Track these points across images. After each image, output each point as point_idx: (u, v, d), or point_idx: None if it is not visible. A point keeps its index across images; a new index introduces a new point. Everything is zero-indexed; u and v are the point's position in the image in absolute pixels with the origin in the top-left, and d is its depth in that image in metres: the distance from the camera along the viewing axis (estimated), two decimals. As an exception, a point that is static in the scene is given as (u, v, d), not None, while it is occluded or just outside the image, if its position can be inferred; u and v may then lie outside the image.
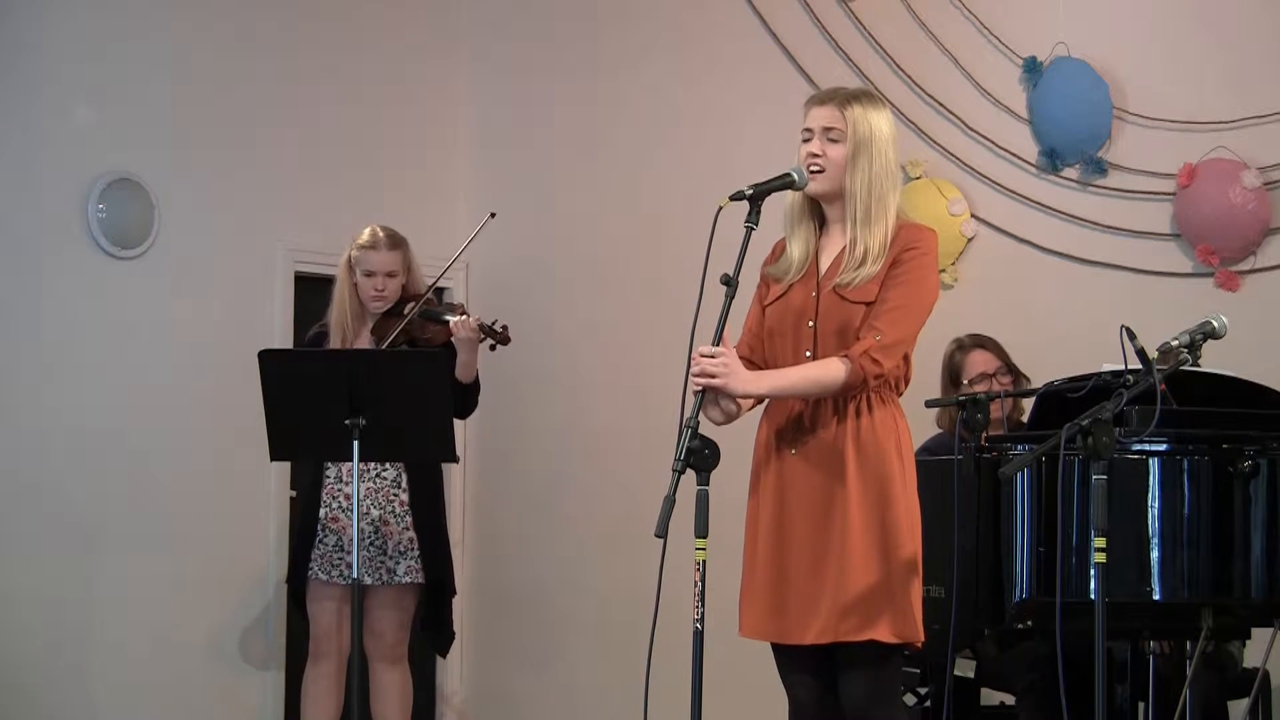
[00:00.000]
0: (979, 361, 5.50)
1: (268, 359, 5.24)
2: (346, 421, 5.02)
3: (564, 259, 7.12)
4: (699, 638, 3.69)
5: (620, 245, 6.96)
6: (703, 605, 3.72)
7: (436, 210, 7.22)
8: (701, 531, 3.67)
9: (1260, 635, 4.98)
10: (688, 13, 6.86)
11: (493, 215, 5.58)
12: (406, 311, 5.48)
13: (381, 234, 5.59)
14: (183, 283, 6.44)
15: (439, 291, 5.70)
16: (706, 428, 3.74)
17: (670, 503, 3.59)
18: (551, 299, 7.14)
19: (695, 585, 3.72)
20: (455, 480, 7.22)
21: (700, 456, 3.64)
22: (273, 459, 5.39)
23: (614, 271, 6.98)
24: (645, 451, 6.29)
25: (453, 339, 5.40)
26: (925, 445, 5.34)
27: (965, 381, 5.44)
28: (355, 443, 5.03)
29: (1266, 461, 4.33)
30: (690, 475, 3.65)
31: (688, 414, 3.71)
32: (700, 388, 3.78)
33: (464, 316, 5.39)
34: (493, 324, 5.46)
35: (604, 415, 6.95)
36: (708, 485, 3.68)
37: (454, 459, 5.35)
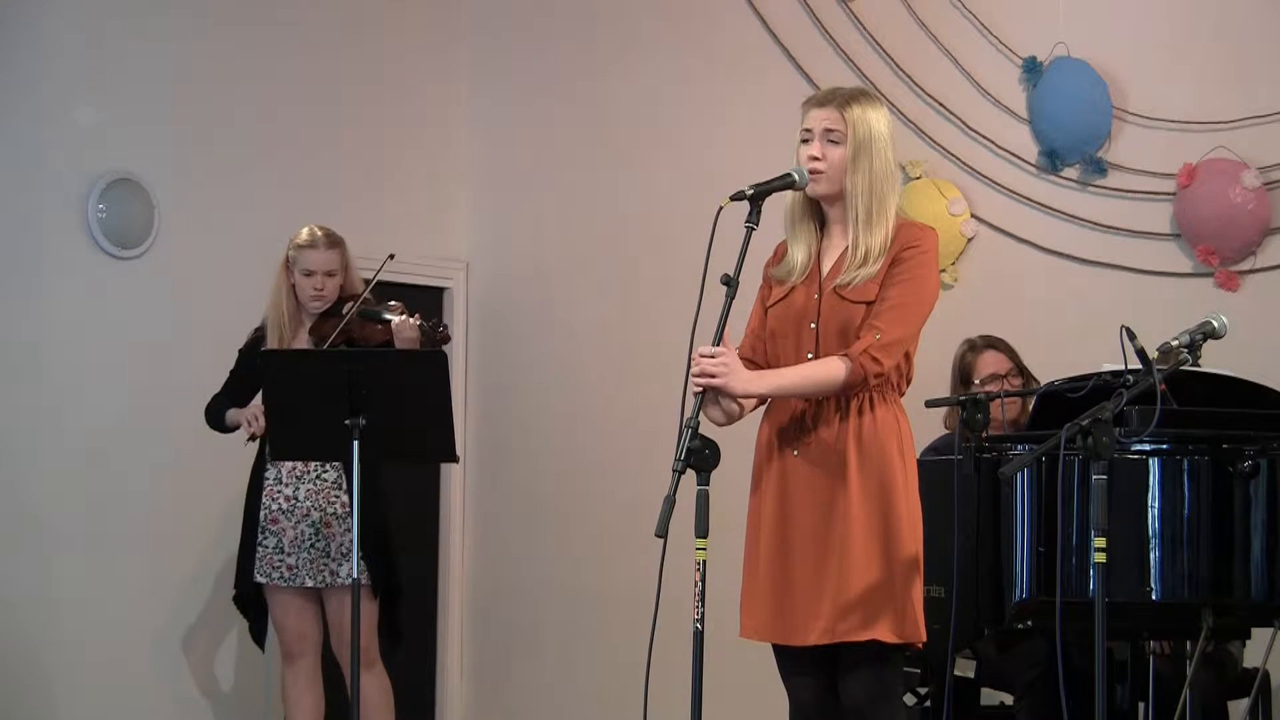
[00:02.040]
0: (991, 362, 5.48)
1: (268, 359, 5.25)
2: (346, 421, 5.02)
3: (564, 259, 7.12)
4: (699, 638, 3.69)
5: (620, 245, 6.96)
6: (703, 605, 3.72)
7: (436, 211, 7.22)
8: (701, 531, 3.67)
9: (1260, 635, 4.97)
10: (688, 13, 6.86)
11: (391, 256, 5.52)
12: (346, 311, 5.46)
13: (320, 233, 5.58)
14: (183, 283, 6.44)
15: (377, 290, 5.65)
16: (707, 428, 3.75)
17: (670, 503, 3.59)
18: (551, 299, 7.14)
19: (695, 585, 3.72)
20: (455, 480, 7.22)
21: (700, 456, 3.64)
22: (273, 459, 5.40)
23: (614, 271, 6.98)
24: (645, 451, 6.29)
25: (394, 339, 5.37)
26: (933, 445, 5.33)
27: (976, 381, 5.42)
28: (355, 443, 5.03)
29: (1266, 461, 4.32)
30: (690, 475, 3.65)
31: (688, 414, 3.70)
32: (700, 388, 3.78)
33: (404, 317, 5.36)
34: (432, 324, 5.43)
35: (604, 415, 6.95)
36: (708, 485, 3.67)
37: (454, 459, 5.34)
